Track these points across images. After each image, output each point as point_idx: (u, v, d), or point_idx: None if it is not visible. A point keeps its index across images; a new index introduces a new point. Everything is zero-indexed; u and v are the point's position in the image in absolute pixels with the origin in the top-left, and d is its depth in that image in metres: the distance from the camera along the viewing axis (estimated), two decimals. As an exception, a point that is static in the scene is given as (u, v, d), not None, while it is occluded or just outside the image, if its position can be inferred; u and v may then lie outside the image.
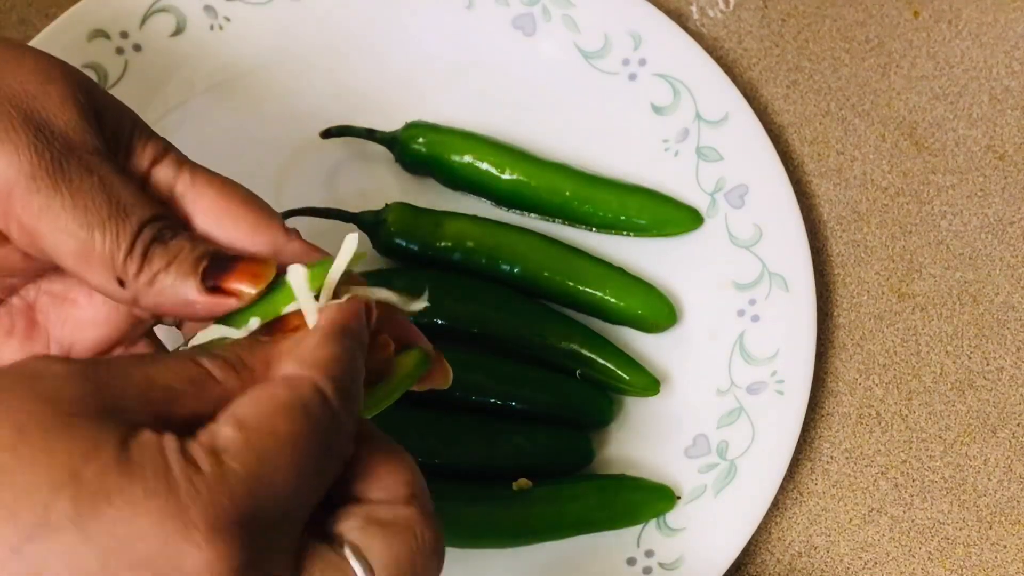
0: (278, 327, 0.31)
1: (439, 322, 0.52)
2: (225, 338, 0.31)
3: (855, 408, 0.56)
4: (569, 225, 0.55)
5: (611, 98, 0.56)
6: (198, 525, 0.25)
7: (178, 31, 0.55)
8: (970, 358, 0.57)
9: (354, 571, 0.28)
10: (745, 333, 0.54)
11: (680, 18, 0.59)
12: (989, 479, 0.55)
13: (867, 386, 0.56)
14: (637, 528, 0.52)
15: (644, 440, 0.53)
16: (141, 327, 0.35)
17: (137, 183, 0.32)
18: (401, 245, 0.53)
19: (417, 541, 0.29)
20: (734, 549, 0.51)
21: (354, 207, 0.53)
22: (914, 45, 0.61)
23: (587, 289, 0.53)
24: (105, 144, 0.32)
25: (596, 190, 0.55)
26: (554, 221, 0.55)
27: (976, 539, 0.54)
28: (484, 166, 0.54)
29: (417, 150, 0.54)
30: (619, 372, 0.53)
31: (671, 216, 0.55)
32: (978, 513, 0.54)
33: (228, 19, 0.55)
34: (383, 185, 0.56)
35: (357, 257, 0.32)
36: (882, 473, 0.55)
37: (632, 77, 0.56)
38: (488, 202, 0.55)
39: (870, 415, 0.56)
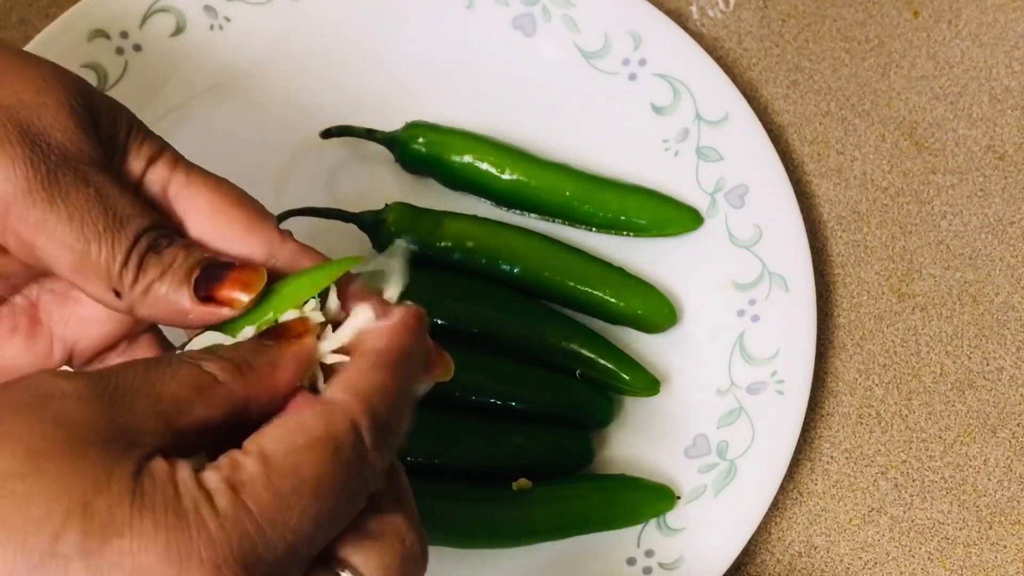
0: (282, 334, 0.31)
1: (439, 322, 0.52)
2: (220, 344, 0.31)
3: (855, 408, 0.56)
4: (569, 225, 0.55)
5: (611, 98, 0.56)
6: (204, 564, 0.25)
7: (178, 31, 0.55)
8: (970, 358, 0.57)
9: None
10: (745, 333, 0.54)
11: (680, 18, 0.59)
12: (989, 479, 0.55)
13: (867, 386, 0.56)
14: (637, 528, 0.51)
15: (644, 440, 0.53)
16: (144, 323, 0.35)
17: (133, 190, 0.32)
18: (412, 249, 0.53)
19: (406, 547, 0.29)
20: (734, 549, 0.51)
21: (354, 207, 0.53)
22: (914, 45, 0.61)
23: (587, 289, 0.53)
24: (101, 149, 0.32)
25: (596, 190, 0.55)
26: (554, 221, 0.55)
27: (976, 539, 0.54)
28: (484, 166, 0.54)
29: (417, 150, 0.54)
30: (619, 372, 0.53)
31: (671, 216, 0.55)
32: (978, 513, 0.54)
33: (228, 19, 0.55)
34: (383, 185, 0.55)
35: (354, 260, 0.32)
36: (882, 473, 0.55)
37: (632, 77, 0.56)
38: (488, 202, 0.55)
39: (870, 415, 0.56)
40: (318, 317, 0.31)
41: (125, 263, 0.31)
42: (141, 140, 0.33)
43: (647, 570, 0.51)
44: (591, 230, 0.55)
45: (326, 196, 0.55)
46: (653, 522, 0.52)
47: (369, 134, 0.54)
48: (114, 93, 0.37)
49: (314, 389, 0.30)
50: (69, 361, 0.36)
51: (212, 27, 0.55)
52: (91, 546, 0.24)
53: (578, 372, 0.53)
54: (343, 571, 0.28)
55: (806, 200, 0.58)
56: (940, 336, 0.57)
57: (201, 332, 0.31)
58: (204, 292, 0.31)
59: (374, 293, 0.33)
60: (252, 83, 0.56)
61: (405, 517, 0.30)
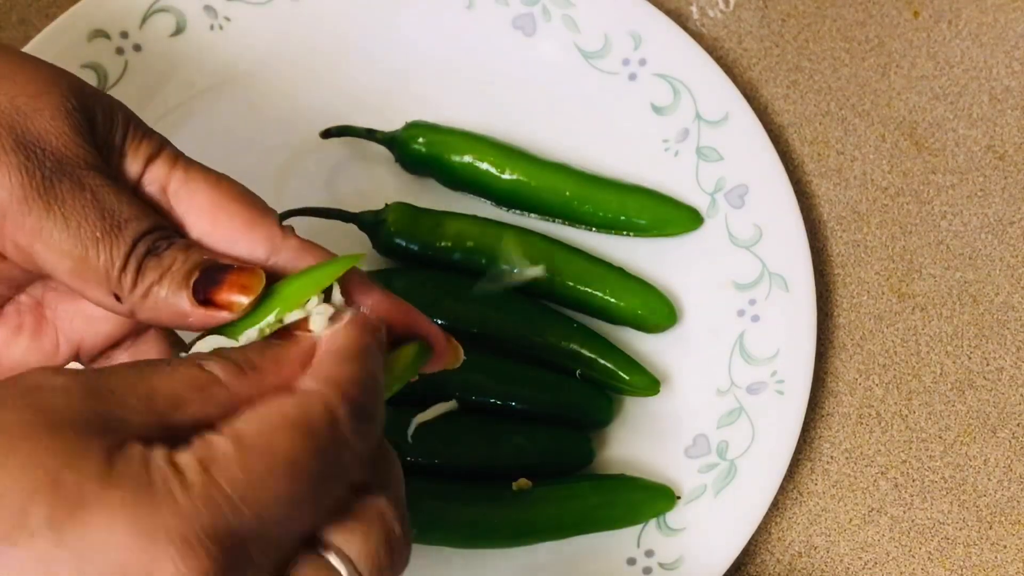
0: (289, 335, 0.31)
1: (439, 322, 0.52)
2: (222, 348, 0.30)
3: (855, 408, 0.56)
4: (569, 225, 0.55)
5: (611, 98, 0.56)
6: (171, 536, 0.24)
7: (178, 31, 0.55)
8: (970, 358, 0.57)
9: (339, 573, 0.28)
10: (745, 333, 0.54)
11: (680, 18, 0.59)
12: (989, 479, 0.55)
13: (867, 386, 0.56)
14: (637, 528, 0.51)
15: (644, 440, 0.53)
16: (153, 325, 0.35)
17: (131, 191, 0.32)
18: (401, 245, 0.53)
19: (389, 529, 0.29)
20: (734, 549, 0.51)
21: (354, 207, 0.53)
22: (914, 45, 0.61)
23: (587, 289, 0.53)
24: (97, 151, 0.32)
25: (596, 190, 0.55)
26: (554, 221, 0.55)
27: (976, 539, 0.54)
28: (484, 166, 0.54)
29: (417, 150, 0.54)
30: (619, 372, 0.53)
31: (671, 216, 0.55)
32: (978, 513, 0.54)
33: (228, 19, 0.55)
34: (383, 185, 0.55)
35: (355, 258, 0.32)
36: (882, 473, 0.55)
37: (632, 77, 0.56)
38: (488, 202, 0.55)
39: (870, 415, 0.56)
40: (325, 311, 0.31)
41: (124, 267, 0.31)
42: (139, 138, 0.33)
43: (647, 570, 0.51)
44: (591, 230, 0.55)
45: (326, 196, 0.55)
46: (653, 522, 0.52)
47: (369, 134, 0.54)
48: (114, 93, 0.37)
49: None
50: (76, 358, 0.36)
51: (212, 27, 0.55)
52: (58, 519, 0.24)
53: (578, 372, 0.53)
54: (328, 553, 0.28)
55: (806, 200, 0.58)
56: (940, 336, 0.57)
57: (203, 336, 0.31)
58: (203, 295, 0.31)
59: (377, 284, 0.33)
60: (252, 83, 0.56)
61: (389, 501, 0.29)
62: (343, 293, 0.32)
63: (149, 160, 0.33)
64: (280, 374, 0.29)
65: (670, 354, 0.54)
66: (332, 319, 0.31)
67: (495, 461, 0.51)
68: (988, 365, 0.56)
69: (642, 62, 0.56)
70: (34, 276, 0.35)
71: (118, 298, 0.31)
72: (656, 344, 0.54)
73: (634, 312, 0.54)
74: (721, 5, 0.60)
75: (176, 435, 0.27)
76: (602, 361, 0.53)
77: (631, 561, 0.51)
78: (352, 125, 0.54)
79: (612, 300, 0.53)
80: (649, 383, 0.53)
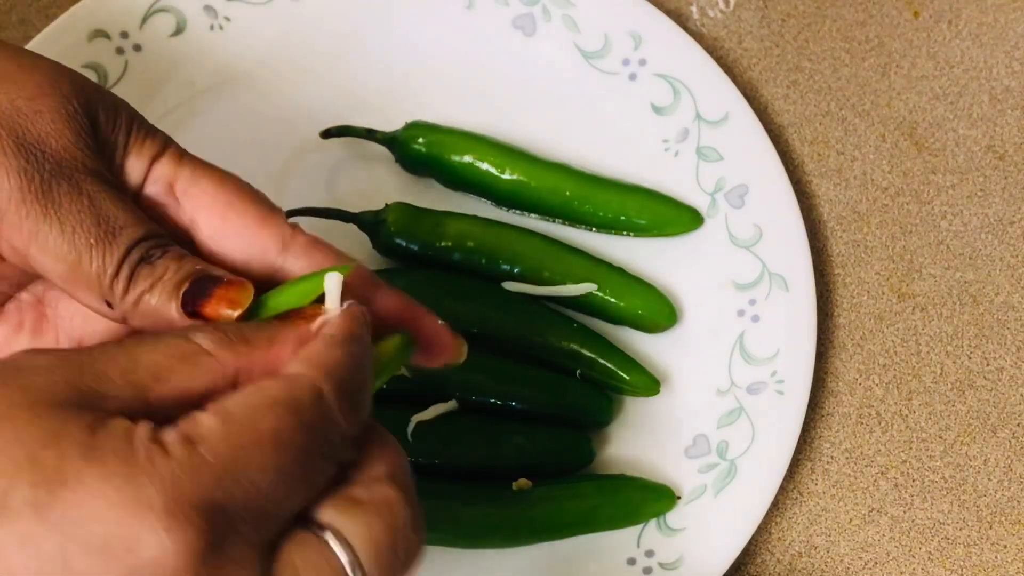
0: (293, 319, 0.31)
1: (439, 322, 0.52)
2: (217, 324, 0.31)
3: (855, 408, 0.56)
4: (569, 225, 0.55)
5: (611, 98, 0.56)
6: (155, 508, 0.24)
7: (178, 31, 0.55)
8: (970, 358, 0.57)
9: (337, 557, 0.28)
10: (745, 333, 0.54)
11: (680, 18, 0.59)
12: (989, 479, 0.55)
13: (867, 386, 0.56)
14: (637, 528, 0.51)
15: (644, 440, 0.53)
16: None
17: (130, 197, 0.32)
18: (401, 245, 0.53)
19: (396, 519, 0.29)
20: (734, 549, 0.51)
21: (354, 207, 0.53)
22: (914, 45, 0.61)
23: (587, 289, 0.54)
24: (99, 154, 0.32)
25: (596, 190, 0.55)
26: (554, 221, 0.55)
27: (976, 539, 0.54)
28: (484, 166, 0.54)
29: (417, 150, 0.54)
30: (619, 372, 0.53)
31: (671, 216, 0.55)
32: (978, 513, 0.54)
33: (228, 19, 0.55)
34: (383, 185, 0.55)
35: (344, 268, 0.32)
36: (882, 473, 0.55)
37: (632, 77, 0.56)
38: (488, 202, 0.55)
39: (870, 415, 0.56)
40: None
41: (116, 274, 0.31)
42: (143, 137, 0.33)
43: (647, 570, 0.51)
44: (591, 230, 0.55)
45: (326, 196, 0.55)
46: (653, 522, 0.52)
47: (369, 134, 0.54)
48: (114, 93, 0.37)
49: None
50: None
51: (212, 27, 0.55)
52: (39, 498, 0.24)
53: (578, 372, 0.53)
54: (324, 532, 0.28)
55: (806, 200, 0.58)
56: (940, 336, 0.57)
57: None
58: (191, 307, 0.31)
59: (380, 280, 0.33)
60: (252, 83, 0.56)
61: (398, 490, 0.29)
62: (348, 291, 0.32)
63: (154, 158, 0.33)
64: (270, 352, 0.29)
65: (670, 354, 0.54)
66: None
67: (495, 461, 0.51)
68: (988, 365, 0.56)
69: (642, 62, 0.56)
70: (35, 276, 0.35)
71: (110, 304, 0.31)
72: (656, 344, 0.54)
73: (634, 312, 0.54)
74: (721, 5, 0.60)
75: (160, 410, 0.27)
76: (602, 361, 0.53)
77: (631, 561, 0.51)
78: (352, 125, 0.54)
79: (612, 300, 0.53)
80: (649, 383, 0.53)
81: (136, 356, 0.27)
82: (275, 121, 0.55)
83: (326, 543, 0.28)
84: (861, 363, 0.56)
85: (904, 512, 0.54)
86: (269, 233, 0.33)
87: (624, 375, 0.53)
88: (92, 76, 0.53)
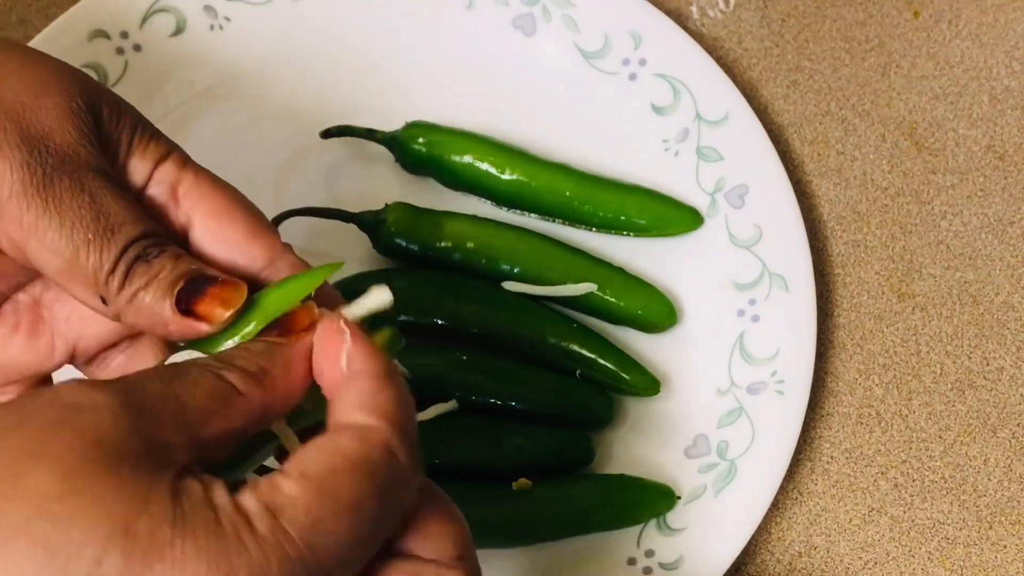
0: (289, 326, 0.31)
1: (439, 322, 0.52)
2: (233, 353, 0.30)
3: (855, 408, 0.56)
4: (569, 225, 0.55)
5: (611, 98, 0.56)
6: None
7: (178, 31, 0.55)
8: (970, 358, 0.57)
9: None
10: (745, 333, 0.54)
11: (680, 18, 0.59)
12: (989, 479, 0.55)
13: (867, 386, 0.56)
14: (637, 528, 0.51)
15: (644, 440, 0.53)
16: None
17: (132, 194, 0.32)
18: (401, 245, 0.53)
19: None
20: (734, 549, 0.51)
21: (354, 207, 0.53)
22: (914, 45, 0.61)
23: (587, 289, 0.54)
24: (101, 151, 0.32)
25: (596, 190, 0.55)
26: (554, 221, 0.55)
27: (976, 539, 0.54)
28: (484, 166, 0.54)
29: (417, 150, 0.54)
30: (619, 372, 0.53)
31: (671, 216, 0.55)
32: (978, 513, 0.54)
33: (228, 19, 0.55)
34: (383, 185, 0.55)
35: (335, 267, 0.32)
36: (882, 473, 0.55)
37: (632, 77, 0.56)
38: (488, 202, 0.55)
39: (870, 415, 0.56)
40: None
41: (112, 270, 0.31)
42: (147, 140, 0.33)
43: (647, 570, 0.51)
44: (591, 230, 0.55)
45: (326, 196, 0.55)
46: (653, 522, 0.52)
47: (369, 134, 0.54)
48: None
49: None
50: (71, 359, 0.36)
51: (212, 27, 0.55)
52: (133, 570, 0.24)
53: (578, 372, 0.53)
54: None
55: (806, 200, 0.58)
56: (940, 336, 0.57)
57: (178, 350, 0.32)
58: (185, 305, 0.31)
59: (340, 297, 0.33)
60: (252, 83, 0.56)
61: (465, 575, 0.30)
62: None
63: (158, 161, 0.33)
64: (290, 377, 0.29)
65: (670, 354, 0.54)
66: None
67: (495, 461, 0.51)
68: (988, 365, 0.56)
69: (642, 62, 0.56)
70: (33, 275, 0.35)
71: (104, 300, 0.31)
72: (656, 344, 0.54)
73: (634, 312, 0.54)
74: (721, 5, 0.60)
75: (207, 450, 0.27)
76: (602, 361, 0.53)
77: (631, 561, 0.51)
78: (352, 125, 0.54)
79: (612, 300, 0.53)
80: (649, 383, 0.53)
81: (181, 398, 0.27)
82: (275, 121, 0.55)
83: None
84: (861, 363, 0.56)
85: (904, 512, 0.54)
86: (261, 245, 0.33)
87: (624, 375, 0.53)
88: (92, 76, 0.53)
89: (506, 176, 0.54)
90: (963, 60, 0.61)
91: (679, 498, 0.52)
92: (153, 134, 0.34)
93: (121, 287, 0.31)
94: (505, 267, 0.53)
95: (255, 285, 0.32)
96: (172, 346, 0.36)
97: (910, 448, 0.55)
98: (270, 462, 0.33)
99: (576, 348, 0.53)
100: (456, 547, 0.30)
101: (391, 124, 0.55)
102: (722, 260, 0.55)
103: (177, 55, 0.55)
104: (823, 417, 0.55)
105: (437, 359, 0.51)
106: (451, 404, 0.50)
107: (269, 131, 0.55)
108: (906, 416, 0.56)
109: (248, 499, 0.26)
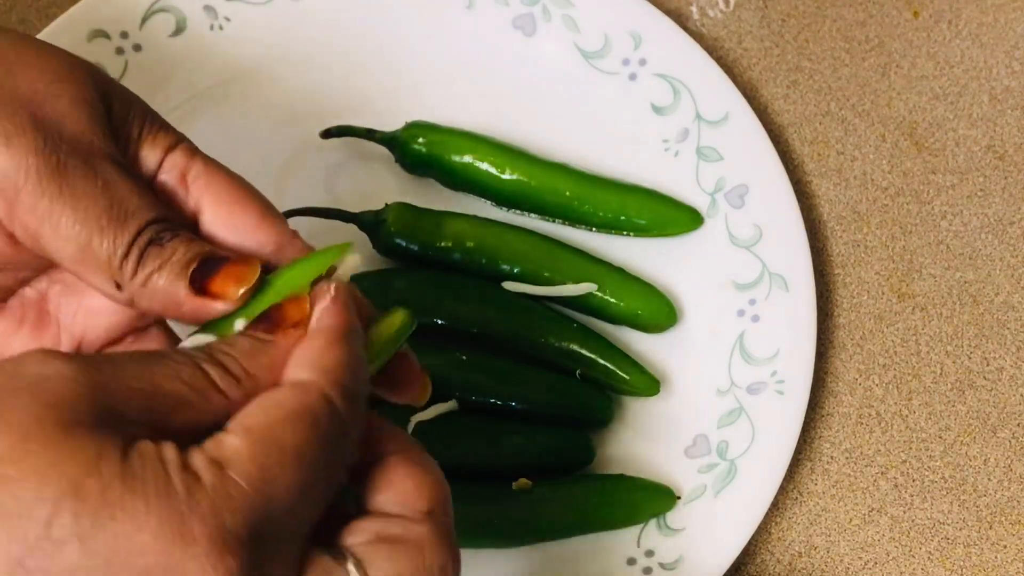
0: (278, 321, 0.31)
1: (439, 322, 0.52)
2: (217, 347, 0.31)
3: (855, 408, 0.56)
4: (569, 225, 0.55)
5: (611, 98, 0.56)
6: (199, 540, 0.25)
7: (178, 31, 0.55)
8: (970, 358, 0.57)
9: None
10: (745, 333, 0.54)
11: (680, 18, 0.59)
12: (989, 479, 0.55)
13: (867, 386, 0.56)
14: (637, 528, 0.51)
15: (644, 440, 0.53)
16: (151, 316, 0.35)
17: (144, 181, 0.33)
18: (401, 245, 0.53)
19: (425, 561, 0.29)
20: (734, 549, 0.51)
21: (354, 207, 0.53)
22: (914, 45, 0.61)
23: (587, 289, 0.54)
24: (113, 140, 0.32)
25: (596, 190, 0.55)
26: (554, 221, 0.55)
27: (976, 539, 0.54)
28: (484, 166, 0.54)
29: (417, 150, 0.54)
30: (619, 372, 0.52)
31: (671, 216, 0.55)
32: (978, 513, 0.54)
33: (228, 19, 0.55)
34: (383, 185, 0.55)
35: (345, 246, 0.32)
36: (882, 473, 0.55)
37: (632, 77, 0.56)
38: (488, 202, 0.55)
39: (870, 415, 0.56)
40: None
41: (126, 255, 0.31)
42: (156, 131, 0.34)
43: (647, 570, 0.51)
44: (591, 230, 0.55)
45: (326, 196, 0.55)
46: (653, 522, 0.52)
47: (369, 134, 0.54)
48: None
49: None
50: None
51: (212, 27, 0.55)
52: (85, 528, 0.24)
53: (578, 372, 0.53)
54: (348, 562, 0.28)
55: (806, 200, 0.58)
56: (940, 336, 0.57)
57: (193, 333, 0.32)
58: (199, 284, 0.31)
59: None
60: (252, 83, 0.56)
61: (434, 532, 0.30)
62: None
63: (167, 151, 0.34)
64: (271, 376, 0.30)
65: (670, 354, 0.54)
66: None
67: (495, 461, 0.51)
68: (988, 365, 0.56)
69: (642, 62, 0.56)
70: (39, 270, 0.35)
71: (118, 286, 0.31)
72: (656, 344, 0.54)
73: (634, 312, 0.54)
74: (721, 5, 0.60)
75: (173, 435, 0.27)
76: (602, 361, 0.53)
77: (631, 561, 0.51)
78: (352, 125, 0.54)
79: (612, 300, 0.53)
80: (649, 383, 0.53)
81: (156, 383, 0.27)
82: (275, 121, 0.55)
83: (347, 573, 0.28)
84: (861, 363, 0.56)
85: (904, 512, 0.54)
86: (269, 231, 0.33)
87: (624, 375, 0.52)
88: (93, 75, 0.53)
89: (506, 176, 0.54)
90: (963, 60, 0.61)
91: (679, 498, 0.52)
92: (162, 125, 0.34)
93: (135, 271, 0.31)
94: (505, 267, 0.53)
95: (266, 268, 0.32)
96: (178, 342, 0.36)
97: (910, 448, 0.55)
98: None
99: (576, 348, 0.53)
100: (426, 501, 0.31)
101: (391, 124, 0.55)
102: (722, 260, 0.55)
103: (177, 55, 0.55)
104: (823, 417, 0.55)
105: (437, 359, 0.51)
106: (451, 404, 0.50)
107: (269, 131, 0.55)
108: (906, 416, 0.56)
109: (195, 456, 0.26)
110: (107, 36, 0.53)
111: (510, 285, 0.53)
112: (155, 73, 0.55)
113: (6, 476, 0.24)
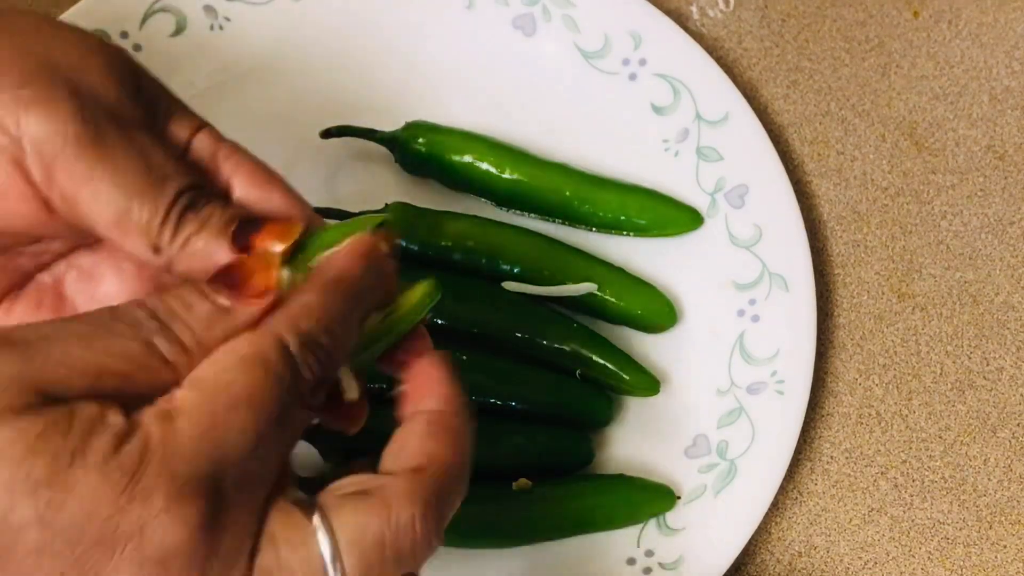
0: (244, 291, 0.30)
1: (439, 322, 0.52)
2: (175, 317, 0.31)
3: (855, 408, 0.56)
4: (569, 225, 0.55)
5: (611, 98, 0.56)
6: (154, 496, 0.25)
7: (178, 31, 0.55)
8: (970, 358, 0.57)
9: (317, 544, 0.28)
10: (745, 333, 0.54)
11: (680, 18, 0.59)
12: (989, 479, 0.55)
13: (867, 386, 0.56)
14: (637, 528, 0.51)
15: (644, 440, 0.53)
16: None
17: (176, 152, 0.33)
18: (401, 245, 0.53)
19: (391, 515, 0.29)
20: (734, 549, 0.51)
21: (354, 207, 0.53)
22: (914, 45, 0.61)
23: (587, 289, 0.54)
24: (144, 111, 0.33)
25: (596, 190, 0.55)
26: (554, 221, 0.55)
27: (976, 539, 0.54)
28: (484, 166, 0.54)
29: (417, 150, 0.54)
30: (619, 372, 0.52)
31: (671, 216, 0.55)
32: (978, 513, 0.54)
33: (228, 19, 0.55)
34: (383, 185, 0.55)
35: (380, 216, 0.32)
36: (882, 473, 0.55)
37: (632, 77, 0.56)
38: (488, 202, 0.55)
39: (870, 415, 0.56)
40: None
41: (164, 219, 0.31)
42: (183, 111, 0.34)
43: (647, 570, 0.51)
44: (591, 230, 0.55)
45: (326, 196, 0.55)
46: (653, 522, 0.52)
47: (369, 134, 0.54)
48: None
49: None
50: None
51: (212, 27, 0.55)
52: (40, 510, 0.25)
53: (578, 372, 0.53)
54: (314, 513, 0.28)
55: (806, 200, 0.58)
56: (940, 336, 0.57)
57: None
58: (242, 242, 0.31)
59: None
60: (252, 83, 0.56)
61: (409, 488, 0.29)
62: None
63: (195, 131, 0.34)
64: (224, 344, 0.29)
65: (670, 354, 0.54)
66: None
67: (495, 461, 0.51)
68: (988, 365, 0.56)
69: (642, 62, 0.56)
70: (57, 255, 0.35)
71: (156, 250, 0.31)
72: (656, 344, 0.54)
73: (634, 312, 0.54)
74: (721, 5, 0.60)
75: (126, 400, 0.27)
76: (602, 361, 0.53)
77: (631, 561, 0.51)
78: (352, 125, 0.54)
79: (612, 300, 0.53)
80: (649, 383, 0.53)
81: (96, 361, 0.27)
82: (275, 121, 0.55)
83: (310, 523, 0.28)
84: (861, 363, 0.56)
85: (904, 512, 0.54)
86: (299, 213, 0.34)
87: (624, 375, 0.52)
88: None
89: (506, 176, 0.54)
90: (963, 60, 0.61)
91: (679, 498, 0.52)
92: (187, 109, 0.35)
93: (174, 234, 0.31)
94: (505, 267, 0.53)
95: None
96: None
97: (910, 448, 0.55)
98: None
99: (576, 348, 0.53)
100: (416, 459, 0.30)
101: (391, 124, 0.55)
102: (722, 260, 0.55)
103: (177, 55, 0.55)
104: (823, 417, 0.55)
105: (437, 359, 0.51)
106: None
107: (269, 131, 0.55)
108: (906, 416, 0.56)
109: (145, 413, 0.26)
110: (107, 36, 0.53)
111: (510, 285, 0.53)
112: (155, 73, 0.54)
113: None
